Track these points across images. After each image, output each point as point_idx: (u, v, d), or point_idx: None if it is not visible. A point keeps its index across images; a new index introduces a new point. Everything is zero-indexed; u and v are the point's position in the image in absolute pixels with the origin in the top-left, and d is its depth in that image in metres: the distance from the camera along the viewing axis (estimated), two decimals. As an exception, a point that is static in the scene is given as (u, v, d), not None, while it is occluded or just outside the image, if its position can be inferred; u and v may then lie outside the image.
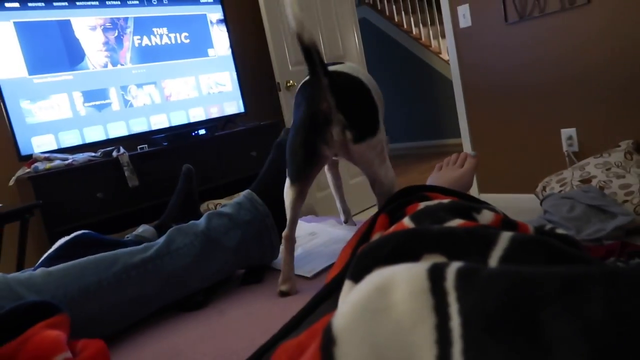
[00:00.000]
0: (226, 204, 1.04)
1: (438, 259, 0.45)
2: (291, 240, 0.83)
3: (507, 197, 2.73)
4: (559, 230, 0.64)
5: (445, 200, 0.64)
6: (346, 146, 0.76)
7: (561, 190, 2.16)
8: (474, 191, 2.89)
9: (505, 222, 0.59)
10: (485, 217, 0.59)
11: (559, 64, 2.37)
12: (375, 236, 0.65)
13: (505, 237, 0.45)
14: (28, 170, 1.97)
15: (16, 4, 2.09)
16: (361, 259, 0.47)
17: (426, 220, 0.57)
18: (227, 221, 0.95)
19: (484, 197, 2.84)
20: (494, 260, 0.43)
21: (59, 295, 0.76)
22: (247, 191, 1.06)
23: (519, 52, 2.50)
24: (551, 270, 0.34)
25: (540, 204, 2.20)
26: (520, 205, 2.58)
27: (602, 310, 0.29)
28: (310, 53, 0.74)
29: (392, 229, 0.60)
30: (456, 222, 0.55)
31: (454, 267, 0.36)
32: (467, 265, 0.37)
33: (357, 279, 0.45)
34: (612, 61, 2.20)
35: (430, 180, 1.19)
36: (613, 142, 2.22)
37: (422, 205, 0.65)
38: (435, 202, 0.64)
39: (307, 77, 0.78)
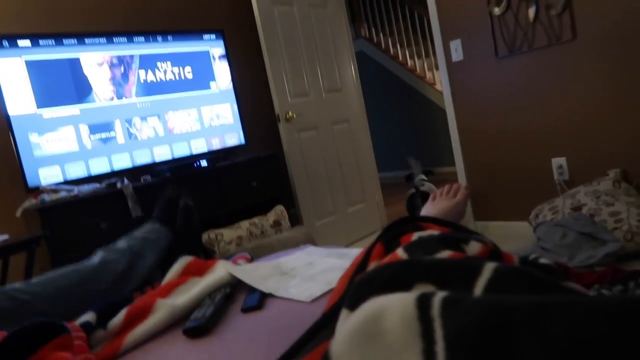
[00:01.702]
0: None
1: (428, 288, 0.49)
2: None
3: (502, 224, 2.78)
4: (542, 260, 0.69)
5: (436, 232, 0.69)
6: None
7: (553, 218, 2.22)
8: (469, 218, 2.94)
9: (492, 253, 0.64)
10: (473, 247, 0.64)
11: (547, 96, 2.46)
12: (372, 265, 0.68)
13: (490, 267, 0.49)
14: (35, 201, 2.03)
15: (27, 43, 2.19)
16: (357, 289, 0.51)
17: (418, 251, 0.62)
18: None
19: (479, 224, 2.89)
20: (479, 289, 0.47)
21: (43, 291, 1.18)
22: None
23: (510, 85, 2.60)
24: (524, 298, 0.39)
25: (534, 231, 2.25)
26: (514, 232, 2.63)
27: (564, 334, 0.34)
28: None
29: (386, 259, 0.65)
30: (446, 254, 0.60)
31: (439, 296, 0.41)
32: (451, 295, 0.42)
33: (353, 307, 0.49)
34: (598, 93, 2.29)
35: (425, 210, 1.25)
36: (602, 170, 2.29)
37: (415, 236, 0.69)
38: (427, 233, 0.69)
39: None
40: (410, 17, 5.33)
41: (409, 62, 5.32)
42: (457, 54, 2.79)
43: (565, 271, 0.80)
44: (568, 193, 2.29)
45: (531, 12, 2.41)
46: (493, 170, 2.78)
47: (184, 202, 1.75)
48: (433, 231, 0.70)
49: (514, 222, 2.71)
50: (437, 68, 4.94)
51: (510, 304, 0.38)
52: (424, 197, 3.32)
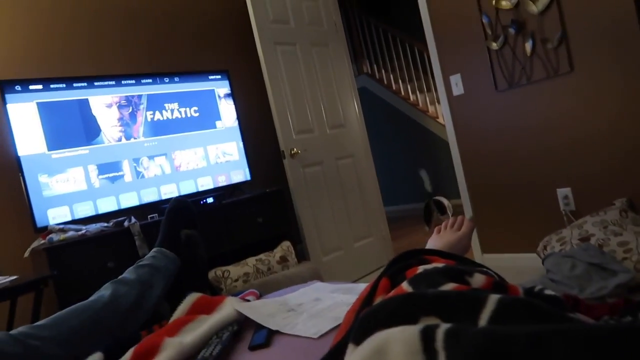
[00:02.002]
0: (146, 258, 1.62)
1: (433, 321, 0.49)
2: None
3: (509, 256, 2.76)
4: (548, 292, 0.69)
5: (440, 265, 0.70)
6: None
7: (561, 249, 2.21)
8: (477, 252, 2.92)
9: (496, 285, 0.64)
10: (477, 280, 0.64)
11: (548, 127, 2.49)
12: (378, 299, 0.68)
13: (494, 299, 0.49)
14: (43, 241, 2.05)
15: (39, 86, 2.26)
16: (362, 323, 0.52)
17: (423, 284, 0.62)
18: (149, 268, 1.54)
19: (487, 257, 2.87)
20: (483, 321, 0.48)
21: (55, 334, 1.15)
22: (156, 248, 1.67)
23: (511, 117, 2.63)
24: (523, 328, 0.40)
25: (542, 263, 2.23)
26: (523, 265, 2.60)
27: None
28: None
29: (392, 293, 0.66)
30: (450, 286, 0.60)
31: (443, 328, 0.42)
32: (454, 327, 0.42)
33: (358, 341, 0.50)
34: (599, 124, 2.32)
35: (430, 243, 1.25)
36: (608, 200, 2.28)
37: (420, 269, 0.70)
38: (432, 266, 0.70)
39: None
40: (411, 54, 5.45)
41: (411, 96, 5.41)
42: (457, 88, 2.84)
43: (576, 303, 0.80)
44: (575, 223, 2.28)
45: (528, 46, 2.47)
46: (498, 202, 2.78)
47: (184, 234, 1.76)
48: (437, 264, 0.71)
49: (521, 254, 2.69)
50: (439, 102, 5.02)
51: (510, 334, 0.39)
52: (437, 204, 3.82)
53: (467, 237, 1.24)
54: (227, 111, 2.89)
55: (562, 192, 2.49)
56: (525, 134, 2.59)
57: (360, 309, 0.69)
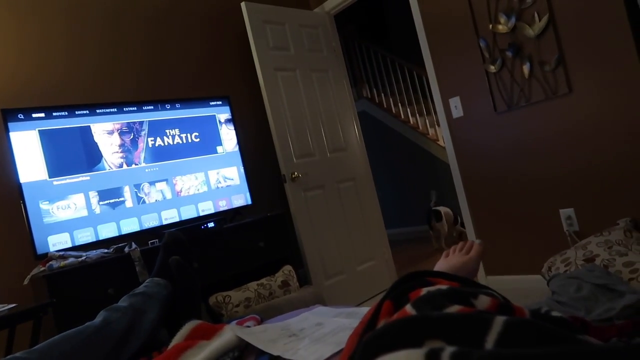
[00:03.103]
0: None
1: (438, 344, 0.48)
2: None
3: (514, 278, 2.73)
4: (555, 313, 0.68)
5: (444, 287, 0.69)
6: None
7: (566, 270, 2.18)
8: (480, 274, 2.89)
9: (502, 306, 0.63)
10: (482, 301, 0.63)
11: (548, 148, 2.50)
12: (381, 323, 0.67)
13: (500, 321, 0.49)
14: (43, 268, 2.03)
15: (42, 114, 2.28)
16: (366, 347, 0.51)
17: (426, 306, 0.61)
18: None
19: (491, 279, 2.84)
20: (490, 343, 0.47)
21: (47, 359, 1.16)
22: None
23: (511, 139, 2.64)
24: (530, 351, 0.39)
25: (547, 285, 2.20)
26: (528, 287, 2.57)
27: None
28: None
29: (395, 316, 0.65)
30: (455, 308, 0.59)
31: (448, 351, 0.41)
32: (460, 350, 0.41)
33: None
34: (600, 144, 2.32)
35: (437, 267, 1.24)
36: (612, 220, 2.27)
37: (424, 291, 0.69)
38: (435, 288, 0.69)
39: None
40: (410, 78, 5.51)
41: (411, 119, 5.44)
42: (457, 111, 2.86)
43: (584, 325, 0.78)
44: (579, 244, 2.26)
45: (526, 68, 2.49)
46: (501, 224, 2.76)
47: (174, 259, 1.77)
48: (441, 286, 0.70)
49: (526, 276, 2.66)
50: (439, 125, 5.05)
51: (517, 356, 0.38)
52: (435, 213, 4.27)
53: (474, 260, 1.23)
54: (228, 136, 2.91)
55: (565, 212, 2.48)
56: (525, 155, 2.59)
57: (363, 333, 0.68)
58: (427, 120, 5.30)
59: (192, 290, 1.73)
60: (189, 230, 2.47)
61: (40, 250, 2.15)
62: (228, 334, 1.03)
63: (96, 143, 2.42)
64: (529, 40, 2.46)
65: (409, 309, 0.62)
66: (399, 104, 5.54)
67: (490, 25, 2.59)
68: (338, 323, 1.11)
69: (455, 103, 2.86)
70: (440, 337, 0.49)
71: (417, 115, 5.39)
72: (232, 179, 2.88)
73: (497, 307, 0.62)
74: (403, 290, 0.72)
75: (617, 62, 2.21)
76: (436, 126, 5.19)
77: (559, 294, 2.09)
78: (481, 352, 0.40)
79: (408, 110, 5.46)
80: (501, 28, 2.56)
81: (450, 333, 0.49)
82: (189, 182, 2.69)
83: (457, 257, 1.24)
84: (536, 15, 2.41)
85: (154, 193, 2.56)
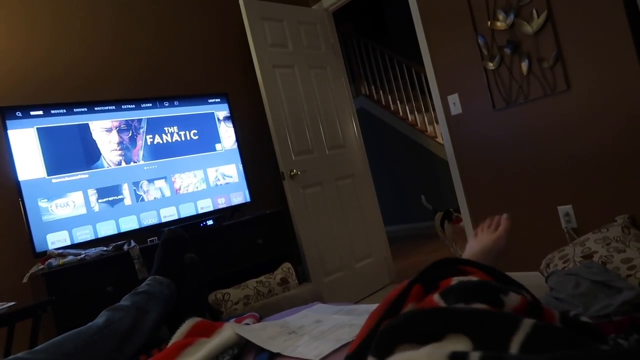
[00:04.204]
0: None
1: (461, 339, 0.47)
2: None
3: (512, 275, 2.73)
4: (584, 318, 0.66)
5: (475, 279, 0.67)
6: None
7: (564, 267, 2.19)
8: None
9: (532, 306, 0.61)
10: (512, 299, 0.60)
11: (547, 145, 2.50)
12: (409, 307, 0.65)
13: (528, 324, 0.47)
14: (42, 266, 2.03)
15: (40, 112, 2.27)
16: (385, 336, 0.49)
17: (455, 299, 0.60)
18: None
19: (490, 276, 2.84)
20: (515, 346, 0.45)
21: (50, 359, 1.16)
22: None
23: (509, 136, 2.64)
24: (556, 354, 0.38)
25: (546, 281, 2.21)
26: (525, 283, 2.57)
27: None
28: None
29: (422, 303, 0.63)
30: (483, 304, 0.58)
31: (475, 356, 0.40)
32: (487, 354, 0.40)
33: (381, 356, 0.47)
34: (598, 140, 2.32)
35: (469, 248, 1.24)
36: (610, 216, 2.27)
37: (454, 280, 0.67)
38: (467, 279, 0.67)
39: None
40: (409, 75, 5.51)
41: (410, 117, 5.44)
42: (455, 108, 2.86)
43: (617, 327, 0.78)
44: (577, 241, 2.26)
45: (524, 65, 2.49)
46: (500, 220, 2.76)
47: (190, 257, 1.76)
48: (472, 278, 0.68)
49: (525, 273, 2.66)
50: (437, 122, 5.05)
51: None
52: (447, 214, 3.83)
53: (503, 238, 1.23)
54: (227, 134, 2.91)
55: (563, 209, 2.48)
56: (524, 152, 2.59)
57: (386, 314, 0.66)
58: (425, 118, 5.29)
59: (200, 289, 1.74)
60: (188, 228, 2.47)
61: (39, 248, 2.15)
62: (227, 332, 1.04)
63: (94, 141, 2.41)
64: (528, 37, 2.46)
65: (437, 298, 0.60)
66: (398, 101, 5.54)
67: (489, 22, 2.59)
68: (337, 320, 1.12)
69: (454, 100, 2.86)
70: (465, 332, 0.48)
71: (416, 112, 5.39)
72: (231, 177, 2.88)
73: (526, 306, 0.60)
74: (435, 276, 0.70)
75: (615, 59, 2.21)
76: (435, 123, 5.18)
77: (557, 290, 2.10)
78: (510, 357, 0.39)
79: (407, 107, 5.46)
80: (499, 25, 2.55)
81: (475, 330, 0.48)
82: (188, 180, 2.69)
83: (487, 235, 1.24)
84: (534, 12, 2.41)
85: (153, 191, 2.55)
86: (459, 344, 0.46)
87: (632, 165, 2.24)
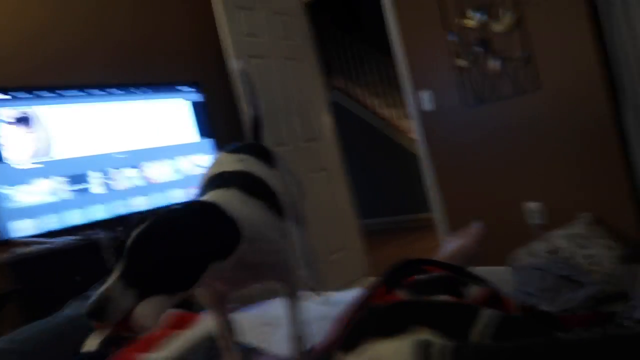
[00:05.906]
0: None
1: (423, 330, 0.49)
2: None
3: (480, 270, 2.79)
4: (542, 307, 0.69)
5: (436, 274, 0.69)
6: None
7: (531, 262, 2.25)
8: (449, 264, 2.95)
9: (492, 297, 0.64)
10: (472, 291, 0.64)
11: (517, 143, 2.56)
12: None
13: (486, 314, 0.50)
14: (6, 255, 1.96)
15: (8, 97, 2.18)
16: (353, 330, 0.51)
17: (417, 292, 0.62)
18: None
19: (459, 270, 2.90)
20: (475, 335, 0.48)
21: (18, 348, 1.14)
22: None
23: (481, 133, 2.69)
24: (508, 345, 0.40)
25: (513, 276, 2.27)
26: (493, 278, 2.64)
27: None
28: None
29: (385, 298, 0.65)
30: (444, 297, 0.60)
31: (437, 346, 0.41)
32: (448, 345, 0.42)
33: (348, 349, 0.49)
34: (567, 139, 2.39)
35: (438, 255, 1.26)
36: (576, 213, 2.35)
37: (416, 278, 0.69)
38: (428, 275, 0.69)
39: None
40: (384, 69, 5.54)
41: (384, 111, 5.48)
42: (428, 104, 2.89)
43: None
44: (544, 236, 2.34)
45: (496, 64, 2.54)
46: (470, 215, 2.82)
47: None
48: (434, 273, 0.70)
49: (492, 267, 2.72)
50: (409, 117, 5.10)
51: (496, 349, 0.39)
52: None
53: (471, 245, 1.24)
54: (199, 123, 2.86)
55: (532, 205, 2.55)
56: (495, 149, 2.65)
57: (354, 316, 0.67)
58: (399, 113, 5.34)
59: None
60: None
61: (1, 236, 2.06)
62: (203, 324, 1.03)
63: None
64: (498, 36, 2.51)
65: (399, 293, 0.62)
66: (371, 96, 5.57)
67: (457, 20, 2.62)
68: (315, 311, 1.12)
69: (427, 96, 2.89)
70: (426, 324, 0.49)
71: (392, 107, 5.43)
72: (203, 167, 2.83)
73: (487, 297, 0.63)
74: (397, 276, 0.72)
75: (581, 59, 2.28)
76: (408, 119, 5.24)
77: (524, 284, 2.16)
78: (470, 346, 0.41)
79: (381, 102, 5.49)
80: (469, 23, 2.59)
81: (436, 322, 0.49)
82: (159, 169, 2.64)
83: (455, 242, 1.26)
84: (504, 12, 2.45)
85: (123, 180, 2.49)
86: (422, 335, 0.47)
87: (598, 165, 2.32)
